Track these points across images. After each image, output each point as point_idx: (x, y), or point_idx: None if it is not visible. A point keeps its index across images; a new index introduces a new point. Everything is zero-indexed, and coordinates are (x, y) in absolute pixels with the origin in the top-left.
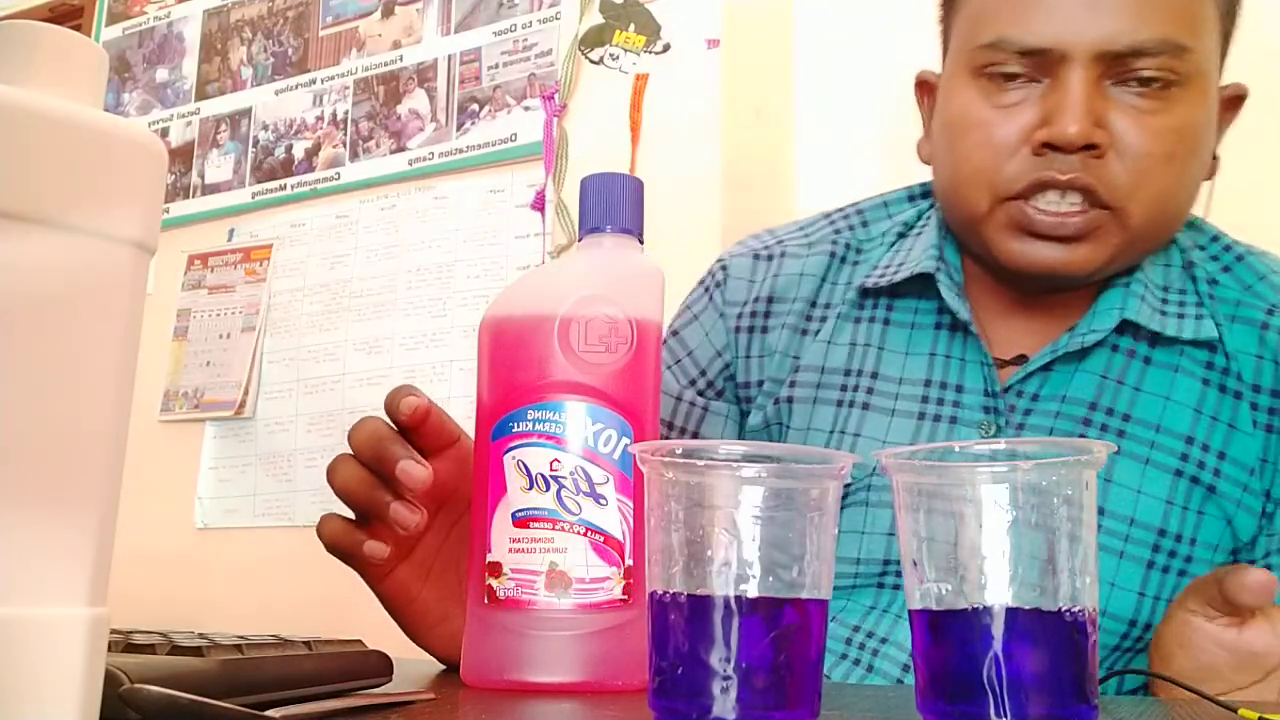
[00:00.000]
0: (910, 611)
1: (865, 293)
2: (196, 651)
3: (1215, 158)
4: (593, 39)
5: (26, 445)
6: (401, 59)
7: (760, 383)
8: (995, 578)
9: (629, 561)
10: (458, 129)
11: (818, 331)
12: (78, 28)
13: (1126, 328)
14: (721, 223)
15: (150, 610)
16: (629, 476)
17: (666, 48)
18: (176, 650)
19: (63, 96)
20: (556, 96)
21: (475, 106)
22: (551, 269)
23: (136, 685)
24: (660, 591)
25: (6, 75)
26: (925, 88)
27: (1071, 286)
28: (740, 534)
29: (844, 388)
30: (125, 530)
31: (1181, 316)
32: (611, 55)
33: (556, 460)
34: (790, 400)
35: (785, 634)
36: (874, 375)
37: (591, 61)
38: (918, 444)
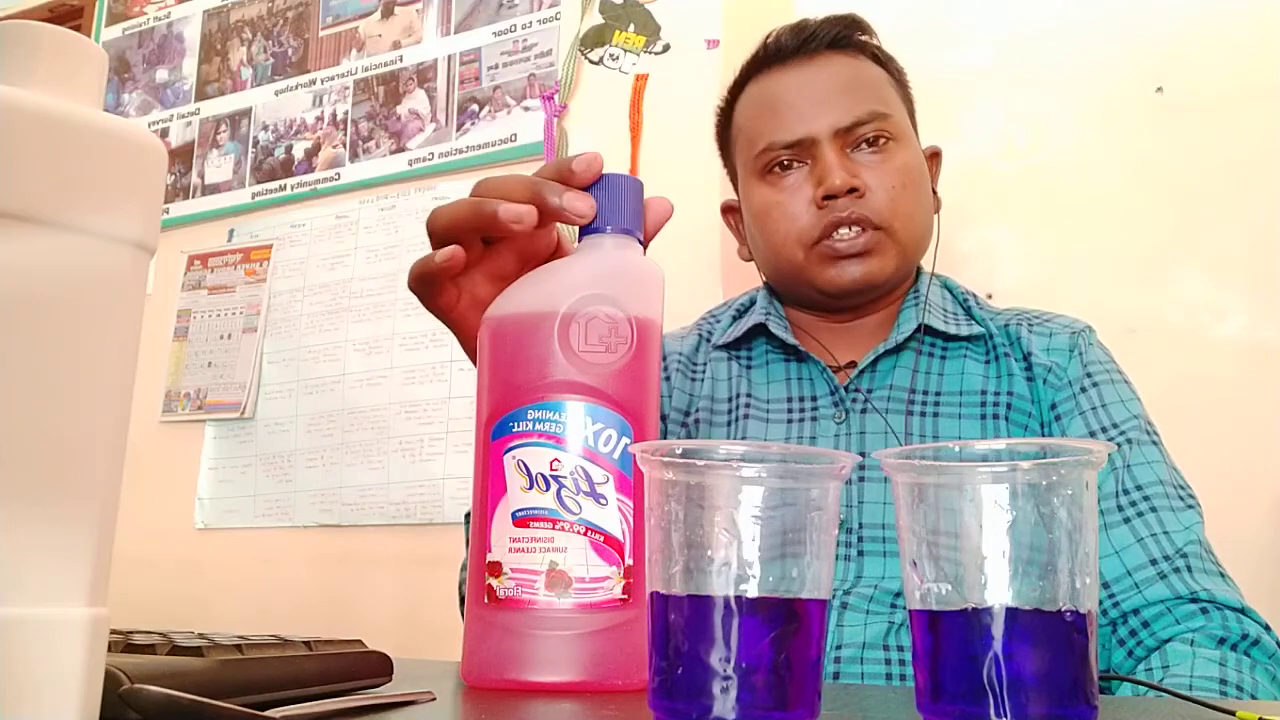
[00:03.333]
0: (910, 611)
1: (724, 349)
2: (196, 651)
3: (937, 195)
4: (593, 39)
5: (27, 445)
6: (401, 59)
7: (665, 415)
8: (995, 578)
9: (629, 561)
10: (458, 129)
11: (702, 380)
12: (78, 28)
13: (922, 333)
14: (721, 223)
15: (150, 610)
16: (629, 476)
17: (666, 48)
18: (176, 650)
19: (63, 96)
20: (556, 97)
21: (475, 107)
22: (551, 269)
23: (136, 685)
24: (660, 591)
25: (6, 75)
26: (731, 211)
27: (876, 296)
28: (740, 534)
29: (730, 410)
30: (125, 530)
31: (958, 324)
32: (611, 55)
33: (556, 460)
34: (696, 423)
35: (785, 634)
36: (749, 396)
37: (591, 62)
38: (790, 439)
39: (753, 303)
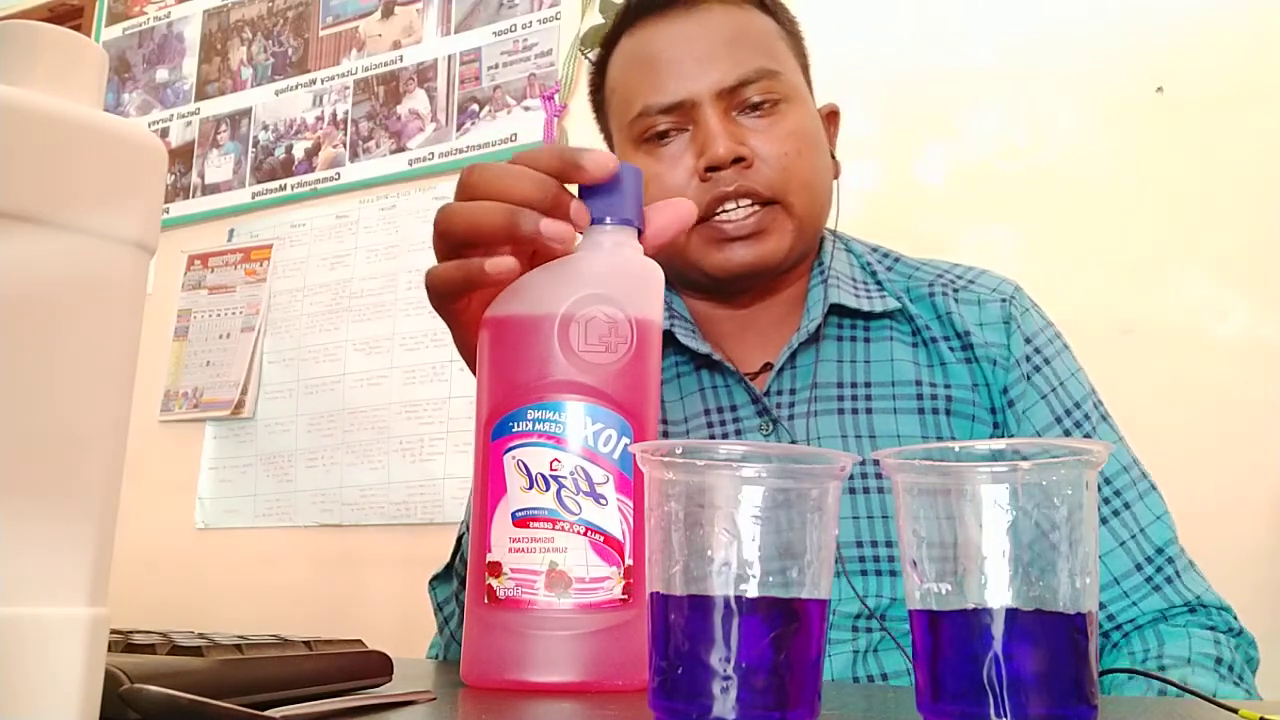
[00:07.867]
0: (910, 611)
1: None
2: (196, 651)
3: (835, 160)
4: (593, 39)
5: (27, 445)
6: (401, 59)
7: None
8: (995, 578)
9: (629, 561)
10: (458, 129)
11: None
12: (78, 28)
13: (836, 315)
14: None
15: (150, 610)
16: (629, 476)
17: None
18: (176, 650)
19: (63, 96)
20: (556, 96)
21: (475, 106)
22: (551, 268)
23: (136, 685)
24: (660, 591)
25: (6, 75)
26: None
27: (771, 279)
28: (740, 534)
29: None
30: (125, 530)
31: (870, 298)
32: None
33: (556, 460)
34: None
35: (785, 634)
36: (664, 421)
37: (592, 61)
38: None
39: None
